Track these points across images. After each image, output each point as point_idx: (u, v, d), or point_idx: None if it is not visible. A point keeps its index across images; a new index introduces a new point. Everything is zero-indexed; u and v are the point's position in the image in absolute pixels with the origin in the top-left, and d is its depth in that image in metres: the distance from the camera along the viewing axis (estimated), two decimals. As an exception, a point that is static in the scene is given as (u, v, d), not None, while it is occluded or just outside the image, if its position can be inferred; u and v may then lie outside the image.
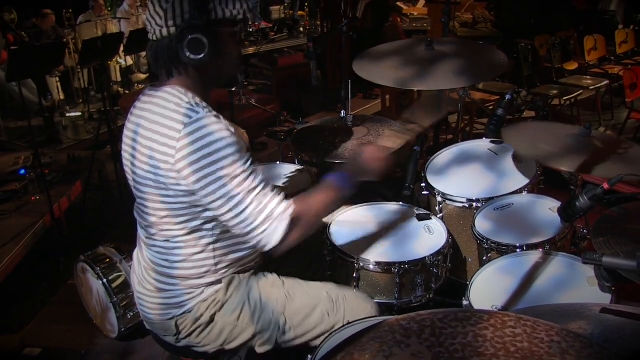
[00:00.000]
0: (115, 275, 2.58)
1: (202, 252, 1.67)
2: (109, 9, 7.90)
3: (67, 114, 6.63)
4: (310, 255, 2.32)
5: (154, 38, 1.56)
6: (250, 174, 1.53)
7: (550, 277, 1.87)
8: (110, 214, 4.63)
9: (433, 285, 2.12)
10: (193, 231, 1.63)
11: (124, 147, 1.72)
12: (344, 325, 1.72)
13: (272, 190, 1.57)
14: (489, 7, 8.89)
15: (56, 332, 2.92)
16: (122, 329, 2.58)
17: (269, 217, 1.53)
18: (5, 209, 4.09)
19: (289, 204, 1.57)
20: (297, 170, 2.78)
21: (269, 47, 7.28)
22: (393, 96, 5.71)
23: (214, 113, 1.55)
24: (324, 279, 2.17)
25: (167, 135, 1.51)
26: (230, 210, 1.52)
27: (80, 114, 6.71)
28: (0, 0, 6.69)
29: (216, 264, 1.71)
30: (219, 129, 1.50)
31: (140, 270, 1.81)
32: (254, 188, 1.53)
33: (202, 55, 1.52)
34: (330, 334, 1.69)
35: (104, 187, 5.03)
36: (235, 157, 1.50)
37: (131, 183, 1.72)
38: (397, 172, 3.88)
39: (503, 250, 2.07)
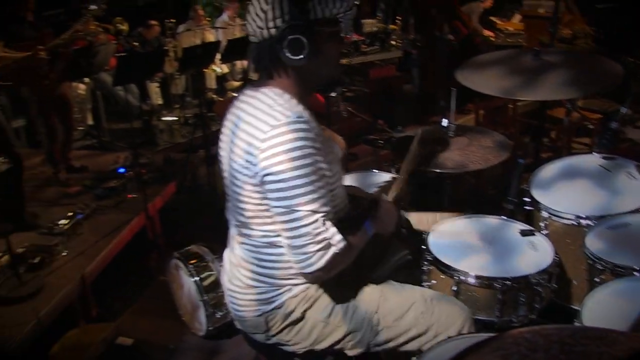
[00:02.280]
0: (207, 274, 2.61)
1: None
2: (209, 18, 8.18)
3: (164, 118, 6.91)
4: (402, 262, 2.27)
5: (256, 40, 1.57)
6: (320, 196, 1.52)
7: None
8: (201, 216, 4.74)
9: (537, 306, 1.99)
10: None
11: (221, 144, 1.74)
12: (446, 339, 1.65)
13: (331, 220, 1.57)
14: (590, 22, 8.50)
15: (147, 325, 3.00)
16: (210, 328, 2.60)
17: (322, 241, 1.53)
18: (104, 205, 4.29)
19: (342, 239, 1.57)
20: (393, 179, 2.73)
21: (360, 59, 7.29)
22: (487, 112, 5.54)
23: (306, 119, 1.54)
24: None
25: (255, 136, 1.53)
26: (288, 221, 1.52)
27: (176, 118, 6.96)
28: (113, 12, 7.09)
29: None
30: (309, 137, 1.49)
31: (231, 268, 1.82)
32: (317, 211, 1.52)
33: (301, 56, 1.52)
34: (432, 346, 1.62)
35: (196, 189, 5.17)
36: (311, 170, 1.49)
37: (226, 181, 1.73)
38: (496, 186, 3.76)
39: (619, 272, 1.91)
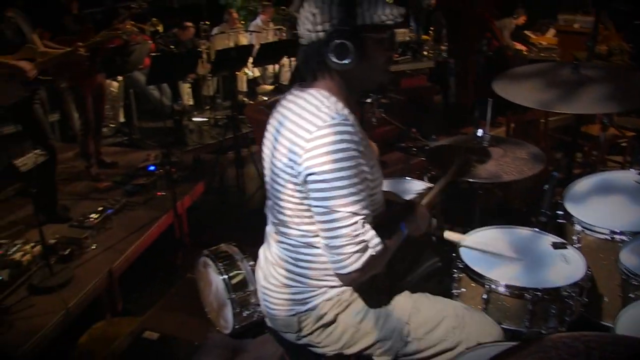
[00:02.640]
0: (235, 272, 2.63)
1: (325, 255, 1.65)
2: (243, 22, 8.28)
3: (194, 119, 7.00)
4: (433, 270, 2.28)
5: (305, 42, 1.59)
6: (361, 199, 1.53)
7: None
8: (227, 217, 4.79)
9: (567, 319, 1.97)
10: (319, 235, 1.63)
11: (265, 142, 1.76)
12: (475, 345, 1.64)
13: (370, 222, 1.57)
14: (626, 39, 8.38)
15: (173, 321, 3.03)
16: (236, 326, 2.62)
17: (360, 243, 1.53)
18: (134, 201, 4.36)
19: (379, 242, 1.57)
20: (427, 188, 2.74)
21: (392, 68, 7.29)
22: (518, 125, 5.49)
23: (351, 122, 1.55)
24: (446, 295, 2.11)
25: (300, 136, 1.54)
26: (331, 221, 1.53)
27: (206, 119, 7.05)
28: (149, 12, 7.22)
29: None
30: (353, 140, 1.50)
31: (267, 265, 1.83)
32: (358, 213, 1.52)
33: (346, 61, 1.53)
34: (461, 352, 1.61)
35: (224, 190, 5.22)
36: (354, 173, 1.50)
37: (267, 179, 1.75)
38: (523, 200, 3.72)
39: (654, 289, 1.89)
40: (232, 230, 4.46)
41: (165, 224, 4.17)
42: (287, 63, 7.86)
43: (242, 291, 2.60)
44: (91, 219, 3.97)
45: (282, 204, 1.66)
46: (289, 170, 1.59)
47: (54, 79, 4.41)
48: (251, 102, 7.02)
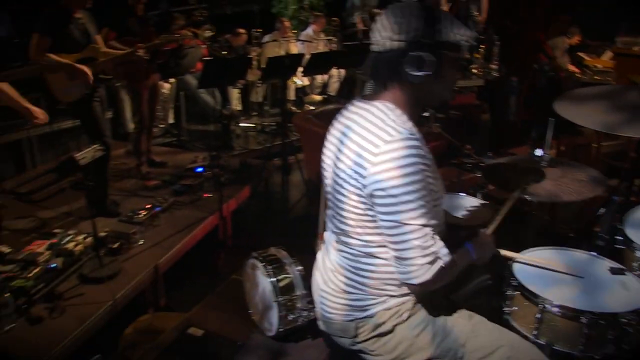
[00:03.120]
0: (283, 276, 2.66)
1: (390, 265, 1.66)
2: (294, 31, 8.36)
3: (241, 124, 7.09)
4: (483, 286, 2.27)
5: (378, 49, 1.59)
6: (429, 211, 1.53)
7: None
8: (271, 222, 4.84)
9: (625, 347, 1.92)
10: (383, 245, 1.64)
11: (326, 152, 1.78)
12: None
13: (438, 234, 1.59)
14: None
15: (217, 320, 3.07)
16: (281, 329, 2.64)
17: (430, 255, 1.54)
18: (181, 201, 4.44)
19: (448, 252, 1.58)
20: (481, 204, 2.72)
21: (442, 86, 7.27)
22: (568, 148, 5.41)
23: (417, 136, 1.56)
24: (496, 311, 2.10)
25: (367, 149, 1.55)
26: (402, 234, 1.53)
27: (253, 125, 7.13)
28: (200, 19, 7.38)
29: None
30: (420, 154, 1.51)
31: (326, 271, 1.85)
32: (427, 225, 1.53)
33: (422, 73, 1.53)
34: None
35: (269, 196, 5.28)
36: (421, 186, 1.50)
37: (329, 188, 1.77)
38: (577, 223, 3.66)
39: None
40: (275, 236, 4.51)
41: (210, 225, 4.23)
42: (336, 74, 7.90)
43: (289, 295, 2.62)
44: (140, 215, 4.07)
45: (344, 213, 1.67)
46: (353, 182, 1.60)
47: (113, 77, 4.55)
48: (298, 110, 7.07)
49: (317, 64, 6.46)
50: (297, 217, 4.92)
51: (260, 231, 4.66)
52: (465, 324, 1.78)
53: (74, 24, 3.83)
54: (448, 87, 1.66)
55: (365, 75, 1.69)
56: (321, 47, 7.90)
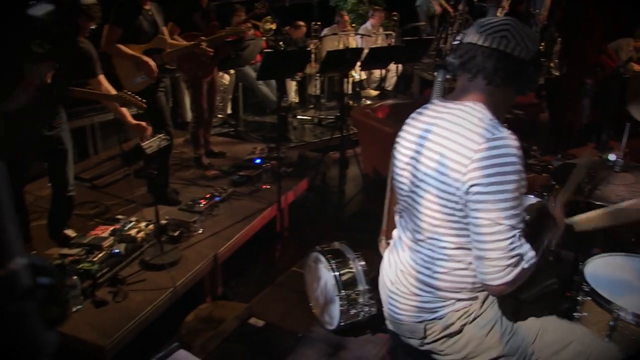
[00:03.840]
0: (346, 270, 2.65)
1: (464, 269, 1.65)
2: (353, 25, 8.33)
3: (298, 116, 7.12)
4: (549, 289, 2.20)
5: (509, 51, 1.55)
6: (519, 213, 1.52)
7: None
8: (327, 216, 4.84)
9: None
10: (461, 247, 1.62)
11: (401, 150, 1.75)
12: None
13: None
14: None
15: (277, 311, 3.09)
16: (342, 323, 2.64)
17: (515, 257, 1.52)
18: (240, 191, 4.48)
19: (534, 255, 1.56)
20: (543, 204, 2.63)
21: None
22: (633, 152, 5.20)
23: (515, 137, 1.55)
24: (562, 315, 2.04)
25: (464, 145, 1.53)
26: (490, 234, 1.50)
27: (309, 118, 7.15)
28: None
29: (474, 283, 1.67)
30: (518, 155, 1.51)
31: (395, 271, 1.83)
32: (516, 227, 1.51)
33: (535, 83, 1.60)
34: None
35: (326, 189, 5.28)
36: (517, 187, 1.49)
37: (404, 186, 1.74)
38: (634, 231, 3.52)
39: None
40: (331, 230, 4.51)
41: (268, 217, 4.26)
42: (394, 69, 7.83)
43: (352, 290, 2.62)
44: (200, 205, 4.13)
45: (423, 211, 1.65)
46: (435, 182, 1.59)
47: (176, 69, 4.63)
48: (355, 104, 7.04)
49: (376, 59, 6.41)
50: (353, 212, 4.91)
51: (318, 224, 4.66)
52: (533, 322, 1.76)
53: (144, 15, 3.91)
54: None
55: (458, 69, 1.66)
56: (380, 42, 7.84)
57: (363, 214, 4.65)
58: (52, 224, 3.70)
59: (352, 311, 2.61)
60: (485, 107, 1.59)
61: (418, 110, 1.78)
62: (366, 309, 2.64)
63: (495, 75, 1.57)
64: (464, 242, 1.60)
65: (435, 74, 2.73)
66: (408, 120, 1.79)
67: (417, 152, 1.67)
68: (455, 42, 1.73)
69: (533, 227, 1.76)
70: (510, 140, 1.51)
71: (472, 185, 1.50)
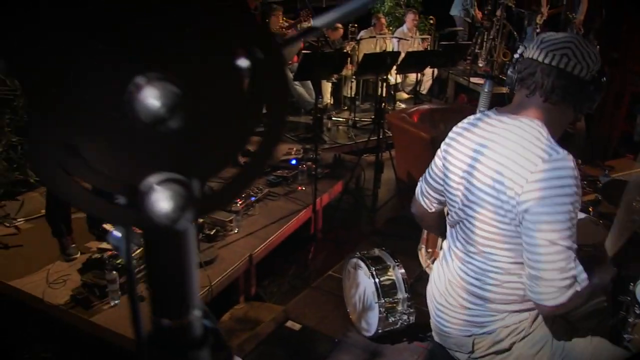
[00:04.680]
0: (386, 278, 2.64)
1: (516, 282, 1.63)
2: (390, 28, 8.29)
3: (333, 118, 7.11)
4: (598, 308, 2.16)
5: (570, 70, 1.53)
6: (574, 234, 1.50)
7: None
8: (360, 220, 4.82)
9: None
10: (516, 262, 1.60)
11: (453, 162, 1.73)
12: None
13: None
14: None
15: (314, 315, 3.09)
16: (380, 330, 2.63)
17: (569, 278, 1.49)
18: (275, 192, 4.49)
19: (587, 278, 1.53)
20: (591, 221, 2.59)
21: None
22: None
23: (572, 157, 1.53)
24: (611, 335, 2.00)
25: (521, 165, 1.52)
26: (546, 254, 1.49)
27: (344, 119, 7.13)
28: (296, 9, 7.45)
29: (524, 295, 1.64)
30: (575, 176, 1.49)
31: (445, 283, 1.81)
32: (571, 248, 1.49)
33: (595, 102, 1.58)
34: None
35: (360, 192, 5.27)
36: (573, 208, 1.48)
37: (456, 198, 1.72)
38: None
39: None
40: (366, 234, 4.49)
41: (303, 218, 4.26)
42: (430, 73, 7.77)
43: (391, 297, 2.60)
44: (236, 204, 4.14)
45: (478, 224, 1.64)
46: (490, 198, 1.58)
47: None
48: (389, 107, 7.00)
49: (412, 63, 6.39)
50: (388, 216, 4.88)
51: (350, 227, 4.65)
52: (585, 345, 1.73)
53: None
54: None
55: (517, 84, 1.64)
56: (416, 45, 7.80)
57: (397, 219, 4.62)
58: (91, 217, 3.75)
59: (391, 319, 2.60)
60: (542, 124, 1.56)
61: (470, 121, 1.74)
62: (404, 317, 2.62)
63: (554, 93, 1.55)
64: (519, 256, 1.58)
65: (482, 84, 2.70)
66: (459, 131, 1.76)
67: (472, 166, 1.65)
68: (516, 56, 1.68)
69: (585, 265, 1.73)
70: (567, 162, 1.50)
71: (529, 206, 1.49)
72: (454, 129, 1.78)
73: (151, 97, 0.41)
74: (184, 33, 0.43)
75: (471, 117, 1.76)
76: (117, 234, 0.56)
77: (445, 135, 1.81)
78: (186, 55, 0.44)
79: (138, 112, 0.42)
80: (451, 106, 7.02)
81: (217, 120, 0.47)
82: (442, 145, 1.80)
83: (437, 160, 1.82)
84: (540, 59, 1.54)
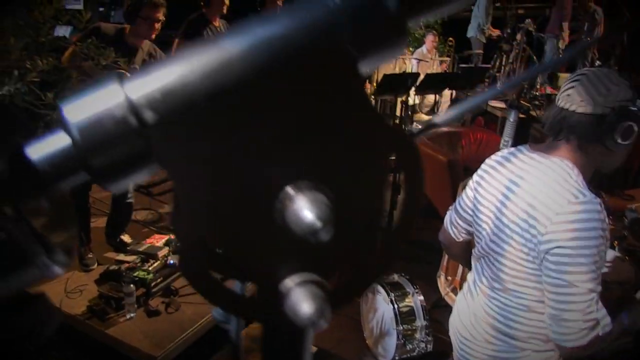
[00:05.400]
0: (405, 304, 2.63)
1: (541, 320, 1.61)
2: (410, 48, 8.34)
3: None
4: (622, 348, 2.14)
5: (574, 109, 1.52)
6: (598, 276, 1.48)
7: None
8: (378, 240, 4.80)
9: None
10: (540, 301, 1.59)
11: (486, 195, 1.73)
12: None
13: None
14: None
15: (330, 337, 3.07)
16: (396, 357, 2.62)
17: (591, 320, 1.47)
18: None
19: (610, 322, 1.50)
20: (618, 258, 2.57)
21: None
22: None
23: (599, 201, 1.51)
24: None
25: (547, 205, 1.51)
26: (568, 294, 1.47)
27: (360, 138, 7.14)
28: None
29: (548, 335, 1.63)
30: (601, 219, 1.47)
31: (468, 316, 1.80)
32: (594, 290, 1.47)
33: (629, 142, 1.50)
34: None
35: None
36: (598, 251, 1.46)
37: (483, 233, 1.72)
38: None
39: None
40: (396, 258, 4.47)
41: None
42: (448, 94, 7.79)
43: (410, 325, 2.59)
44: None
45: (504, 261, 1.63)
46: (523, 235, 1.56)
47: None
48: (406, 128, 7.00)
49: (431, 84, 6.41)
50: (402, 241, 4.85)
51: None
52: None
53: (212, 31, 3.99)
54: (622, 159, 1.61)
55: (546, 129, 1.64)
56: (435, 67, 7.83)
57: (414, 242, 4.61)
58: (110, 228, 3.79)
59: (409, 346, 2.58)
60: (572, 164, 1.56)
61: (503, 155, 1.74)
62: (422, 345, 2.61)
63: (571, 134, 1.55)
64: (543, 295, 1.57)
65: (508, 114, 2.70)
66: (492, 164, 1.75)
67: (502, 202, 1.65)
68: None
69: (614, 304, 1.71)
70: (594, 205, 1.47)
71: (551, 246, 1.48)
72: (487, 161, 1.78)
73: (305, 209, 0.40)
74: (336, 144, 0.43)
75: (505, 151, 1.77)
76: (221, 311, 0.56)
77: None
78: (335, 164, 0.43)
79: (289, 222, 0.41)
80: (468, 129, 7.00)
81: (358, 225, 0.47)
82: (475, 177, 1.80)
83: (469, 191, 1.82)
84: (556, 102, 1.57)
